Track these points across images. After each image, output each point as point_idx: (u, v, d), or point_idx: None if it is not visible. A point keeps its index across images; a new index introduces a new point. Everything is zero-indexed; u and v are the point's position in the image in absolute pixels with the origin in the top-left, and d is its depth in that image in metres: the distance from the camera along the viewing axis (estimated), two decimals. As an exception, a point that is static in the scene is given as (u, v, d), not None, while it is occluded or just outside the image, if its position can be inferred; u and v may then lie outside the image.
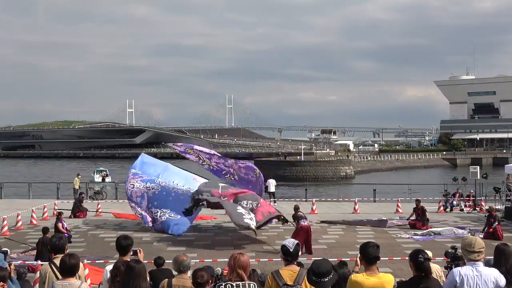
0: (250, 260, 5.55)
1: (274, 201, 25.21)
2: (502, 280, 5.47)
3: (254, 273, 7.60)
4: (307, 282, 5.48)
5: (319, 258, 5.54)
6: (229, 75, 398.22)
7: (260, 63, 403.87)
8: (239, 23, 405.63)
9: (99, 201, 27.74)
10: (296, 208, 16.55)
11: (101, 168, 58.27)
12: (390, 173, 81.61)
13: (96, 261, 12.58)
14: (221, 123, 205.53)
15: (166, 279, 6.25)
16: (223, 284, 5.27)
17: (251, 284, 5.30)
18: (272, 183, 28.23)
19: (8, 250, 11.40)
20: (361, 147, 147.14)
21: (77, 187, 31.70)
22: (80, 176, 33.96)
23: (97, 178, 52.21)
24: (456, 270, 5.62)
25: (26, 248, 15.32)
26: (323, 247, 16.22)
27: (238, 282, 5.25)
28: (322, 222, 21.33)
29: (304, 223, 15.43)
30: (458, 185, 28.25)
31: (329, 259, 5.72)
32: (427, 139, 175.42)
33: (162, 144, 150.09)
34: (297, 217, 15.69)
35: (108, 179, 51.89)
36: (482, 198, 26.78)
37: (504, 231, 17.94)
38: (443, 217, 23.08)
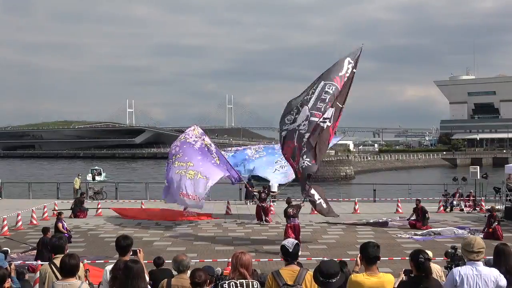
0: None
1: (274, 201, 25.21)
2: (502, 280, 5.47)
3: (254, 273, 7.60)
4: (307, 282, 5.48)
5: (326, 259, 5.53)
6: (229, 75, 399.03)
7: (260, 63, 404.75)
8: (239, 23, 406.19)
9: (99, 201, 27.73)
10: (288, 202, 16.69)
11: (96, 167, 58.51)
12: (390, 173, 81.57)
13: (96, 261, 12.58)
14: (221, 123, 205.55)
15: (165, 279, 6.26)
16: (227, 282, 5.27)
17: (254, 282, 5.31)
18: (274, 183, 28.25)
19: (9, 250, 11.38)
20: (361, 147, 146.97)
21: (77, 187, 31.69)
22: (80, 176, 33.95)
23: (89, 177, 52.29)
24: (456, 270, 5.62)
25: (26, 248, 15.32)
26: (323, 247, 16.22)
27: (241, 280, 5.25)
28: (328, 222, 21.27)
29: (291, 222, 15.71)
30: (458, 185, 28.22)
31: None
32: (427, 139, 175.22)
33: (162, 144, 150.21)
34: (286, 216, 16.08)
35: (99, 178, 51.99)
36: (482, 198, 26.77)
37: (504, 231, 17.94)
38: (443, 217, 23.08)
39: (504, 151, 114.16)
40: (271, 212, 22.75)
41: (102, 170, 58.34)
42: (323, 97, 16.90)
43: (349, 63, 17.50)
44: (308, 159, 16.44)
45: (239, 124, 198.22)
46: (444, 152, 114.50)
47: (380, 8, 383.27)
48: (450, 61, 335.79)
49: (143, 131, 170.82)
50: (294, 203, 17.52)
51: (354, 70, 17.56)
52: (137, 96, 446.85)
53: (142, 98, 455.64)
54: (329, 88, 16.96)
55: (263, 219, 21.38)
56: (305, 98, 17.26)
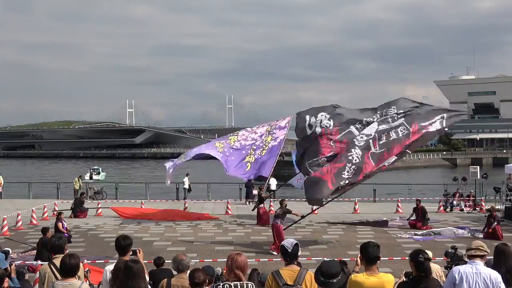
0: (250, 260, 5.55)
1: (274, 200, 25.21)
2: (501, 282, 5.52)
3: (255, 272, 7.61)
4: (307, 282, 5.48)
5: (326, 259, 5.54)
6: (229, 75, 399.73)
7: (260, 63, 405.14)
8: (239, 23, 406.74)
9: (99, 201, 27.75)
10: (281, 203, 16.84)
11: (95, 167, 58.51)
12: (390, 173, 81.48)
13: (96, 261, 12.58)
14: (221, 123, 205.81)
15: (165, 279, 6.26)
16: (221, 284, 5.28)
17: (249, 284, 5.31)
18: (273, 183, 28.29)
19: (10, 250, 11.38)
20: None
21: (77, 187, 31.67)
22: (81, 178, 34.02)
23: (87, 176, 52.29)
24: (456, 268, 5.71)
25: (26, 248, 15.32)
26: (323, 247, 16.22)
27: (236, 282, 5.26)
28: (328, 222, 21.29)
29: (272, 221, 15.95)
30: (458, 185, 28.23)
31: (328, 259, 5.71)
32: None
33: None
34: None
35: (97, 177, 51.88)
36: (482, 198, 26.78)
37: (504, 231, 17.94)
38: (443, 217, 23.08)
39: (504, 151, 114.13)
40: (271, 212, 22.69)
41: (101, 169, 58.31)
42: (391, 134, 15.58)
43: (441, 119, 15.95)
44: (348, 186, 15.35)
45: (239, 124, 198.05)
46: (444, 152, 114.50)
47: (380, 8, 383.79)
48: (450, 61, 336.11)
49: (143, 131, 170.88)
50: (287, 206, 17.19)
51: (446, 129, 16.28)
52: (137, 96, 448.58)
53: (142, 98, 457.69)
54: (402, 131, 15.61)
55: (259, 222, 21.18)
56: (380, 120, 15.83)
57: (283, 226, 15.95)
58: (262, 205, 21.64)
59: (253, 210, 21.91)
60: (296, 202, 25.16)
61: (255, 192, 24.85)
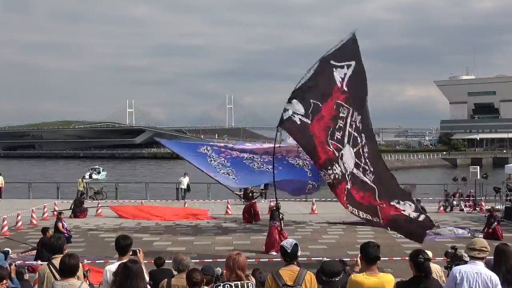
0: (250, 260, 5.57)
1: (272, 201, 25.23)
2: (499, 284, 5.54)
3: (257, 272, 7.61)
4: (307, 282, 5.48)
5: (326, 259, 5.55)
6: (229, 75, 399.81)
7: (260, 63, 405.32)
8: (239, 23, 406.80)
9: (99, 201, 27.73)
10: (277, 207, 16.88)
11: (96, 166, 58.50)
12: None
13: (96, 261, 12.56)
14: (221, 123, 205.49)
15: (165, 279, 6.26)
16: (221, 285, 5.29)
17: (249, 284, 5.32)
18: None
19: (10, 250, 11.38)
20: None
21: (81, 188, 31.64)
22: (84, 179, 34.00)
23: (87, 175, 52.36)
24: (457, 268, 5.72)
25: (26, 248, 15.31)
26: (323, 247, 16.22)
27: (236, 282, 5.27)
28: (328, 222, 21.30)
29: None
30: (458, 185, 28.21)
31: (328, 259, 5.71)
32: (427, 139, 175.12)
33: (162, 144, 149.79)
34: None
35: (96, 176, 51.83)
36: (482, 198, 26.77)
37: (504, 231, 17.94)
38: (443, 217, 23.06)
39: (504, 151, 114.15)
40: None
41: (101, 169, 58.24)
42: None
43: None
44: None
45: (239, 124, 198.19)
46: (444, 152, 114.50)
47: (380, 8, 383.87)
48: (450, 61, 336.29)
49: (143, 131, 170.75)
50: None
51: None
52: (137, 96, 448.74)
53: (142, 98, 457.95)
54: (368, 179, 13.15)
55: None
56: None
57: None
58: (248, 202, 21.99)
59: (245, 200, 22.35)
60: (296, 203, 25.20)
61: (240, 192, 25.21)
